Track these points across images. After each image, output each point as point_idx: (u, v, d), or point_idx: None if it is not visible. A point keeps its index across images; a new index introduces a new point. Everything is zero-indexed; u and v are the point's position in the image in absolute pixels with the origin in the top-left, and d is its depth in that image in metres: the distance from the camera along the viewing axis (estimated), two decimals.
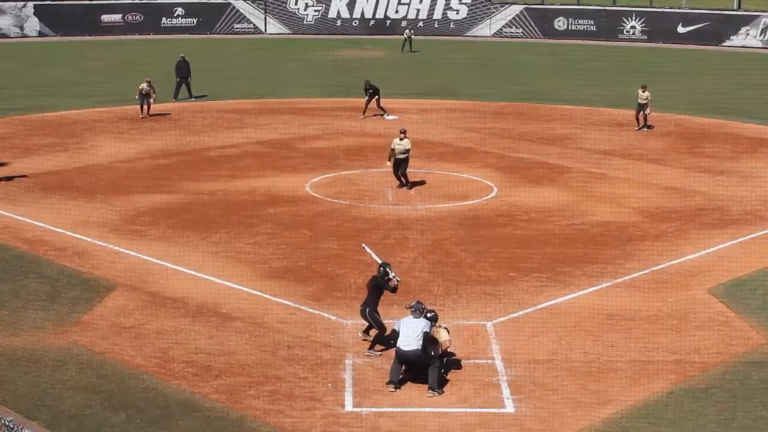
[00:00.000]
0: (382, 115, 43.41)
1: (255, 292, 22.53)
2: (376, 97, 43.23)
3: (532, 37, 77.12)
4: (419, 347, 17.68)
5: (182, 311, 21.27)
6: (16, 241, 26.06)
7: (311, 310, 21.49)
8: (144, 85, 42.54)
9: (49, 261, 24.51)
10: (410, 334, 17.76)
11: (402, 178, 31.30)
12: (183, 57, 48.10)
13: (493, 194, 31.38)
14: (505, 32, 77.82)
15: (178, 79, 47.75)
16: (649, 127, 41.34)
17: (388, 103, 43.84)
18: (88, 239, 26.24)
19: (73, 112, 44.56)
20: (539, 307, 21.85)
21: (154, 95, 42.69)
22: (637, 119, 41.48)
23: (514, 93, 50.99)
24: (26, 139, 38.84)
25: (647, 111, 41.10)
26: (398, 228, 27.50)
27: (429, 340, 17.83)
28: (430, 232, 27.22)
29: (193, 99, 47.28)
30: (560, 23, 77.73)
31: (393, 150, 30.99)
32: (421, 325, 17.84)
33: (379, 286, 19.58)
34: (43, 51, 68.20)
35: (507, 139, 39.54)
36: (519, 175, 33.76)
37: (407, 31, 71.11)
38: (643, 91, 40.92)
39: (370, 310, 19.36)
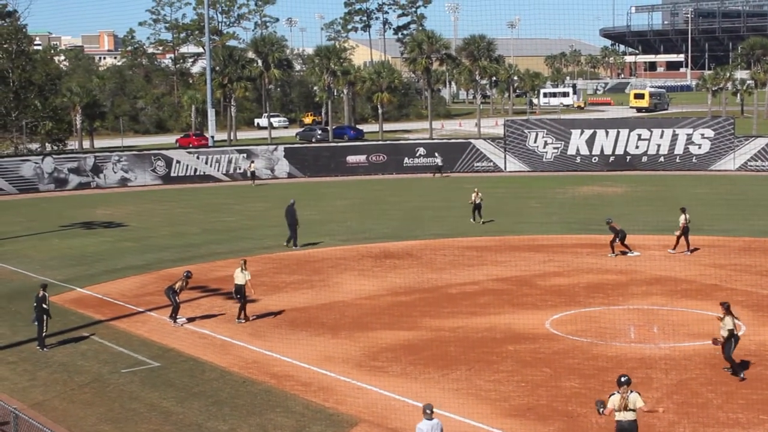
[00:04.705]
0: (626, 253, 42.97)
1: (495, 430, 22.42)
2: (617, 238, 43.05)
3: None
4: None
5: None
6: (264, 376, 26.96)
7: None
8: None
9: (294, 396, 25.21)
10: None
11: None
12: (292, 203, 46.94)
13: (740, 333, 30.21)
14: (751, 165, 75.97)
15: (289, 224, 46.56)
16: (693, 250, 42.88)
17: (629, 239, 43.29)
18: (332, 374, 26.88)
19: (318, 250, 46.07)
20: None
21: None
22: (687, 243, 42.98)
23: (762, 228, 49.41)
24: (274, 276, 40.35)
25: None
26: (641, 367, 26.86)
27: None
28: (674, 371, 26.47)
29: (295, 248, 46.19)
30: None
31: None
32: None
33: None
34: (291, 191, 71.11)
35: (755, 276, 38.26)
36: (767, 313, 32.56)
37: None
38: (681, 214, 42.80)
39: None
